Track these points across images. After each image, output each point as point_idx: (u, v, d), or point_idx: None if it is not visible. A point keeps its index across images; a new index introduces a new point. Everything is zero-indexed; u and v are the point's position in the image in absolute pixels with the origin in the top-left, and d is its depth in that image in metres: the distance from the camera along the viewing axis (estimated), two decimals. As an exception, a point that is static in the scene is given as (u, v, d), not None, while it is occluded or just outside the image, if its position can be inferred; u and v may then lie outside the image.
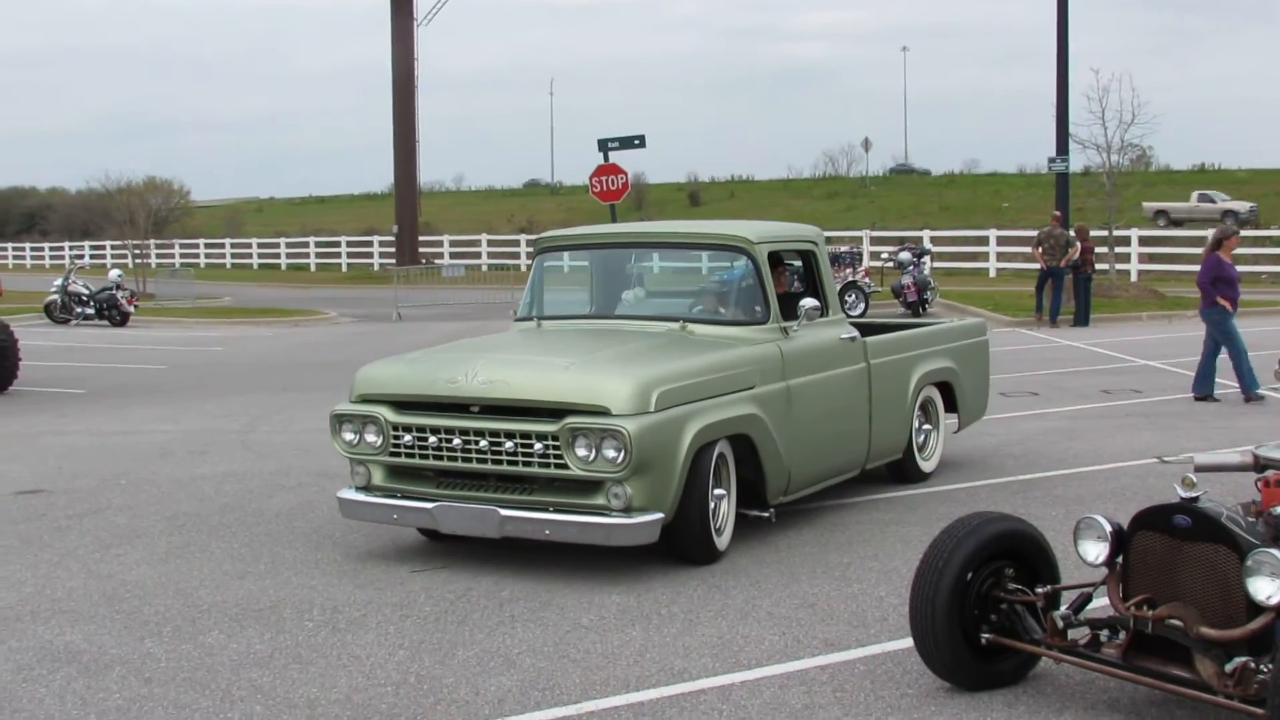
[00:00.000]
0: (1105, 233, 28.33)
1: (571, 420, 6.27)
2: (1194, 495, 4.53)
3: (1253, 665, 4.24)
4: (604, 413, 6.29)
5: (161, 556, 7.28)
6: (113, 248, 50.72)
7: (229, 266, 55.12)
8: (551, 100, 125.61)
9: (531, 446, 6.43)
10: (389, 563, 7.05)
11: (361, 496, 7.10)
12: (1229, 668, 4.31)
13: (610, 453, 6.20)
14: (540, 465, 6.46)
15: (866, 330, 9.08)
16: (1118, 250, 30.44)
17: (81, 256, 49.22)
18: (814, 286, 8.16)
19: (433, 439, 6.75)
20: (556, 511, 6.47)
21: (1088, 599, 5.06)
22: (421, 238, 46.92)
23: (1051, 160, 27.51)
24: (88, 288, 28.43)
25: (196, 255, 55.88)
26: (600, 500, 6.41)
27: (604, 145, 24.57)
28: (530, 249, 27.69)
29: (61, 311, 28.07)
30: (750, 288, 7.74)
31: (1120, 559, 4.80)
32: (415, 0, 42.50)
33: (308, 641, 5.72)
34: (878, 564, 6.95)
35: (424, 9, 43.62)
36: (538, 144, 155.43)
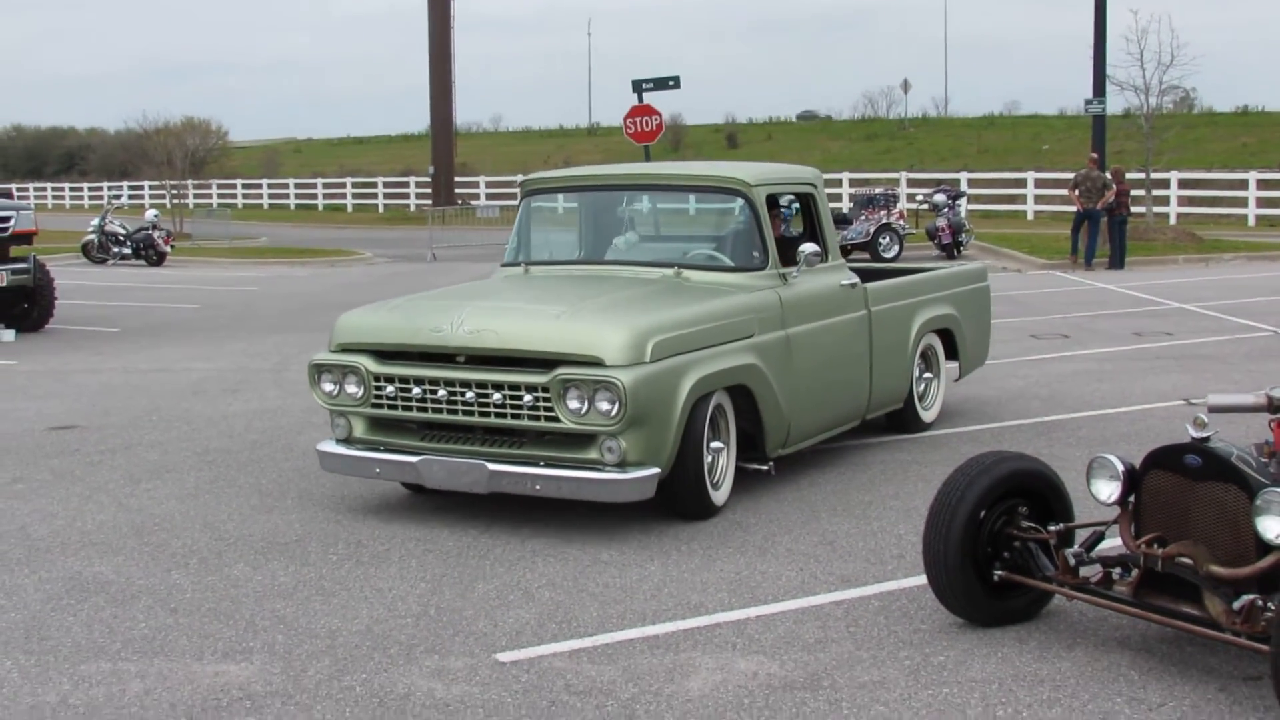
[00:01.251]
0: (1143, 175, 28.32)
1: (563, 371, 6.10)
2: (1205, 435, 4.60)
3: (1260, 603, 4.32)
4: (597, 363, 6.11)
5: (190, 491, 7.47)
6: (150, 188, 50.41)
7: (266, 207, 55.57)
8: (589, 41, 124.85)
9: (520, 398, 6.26)
10: (413, 499, 7.20)
11: (341, 449, 6.93)
12: (1237, 605, 4.40)
13: (604, 405, 6.03)
14: (530, 418, 6.27)
15: (864, 276, 8.84)
16: (1156, 193, 30.37)
17: (120, 196, 49.82)
18: (813, 230, 7.99)
19: (416, 390, 6.57)
20: (547, 466, 6.29)
21: (1100, 537, 5.14)
22: (458, 179, 47.27)
23: (1088, 102, 27.49)
24: (124, 228, 28.74)
25: (234, 196, 56.19)
26: (593, 454, 6.22)
27: (638, 86, 24.92)
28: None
29: (99, 251, 28.34)
30: (748, 232, 7.52)
31: (1132, 498, 4.89)
32: None
33: (331, 574, 5.89)
34: (898, 503, 7.05)
35: None
36: (575, 86, 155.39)
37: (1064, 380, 11.29)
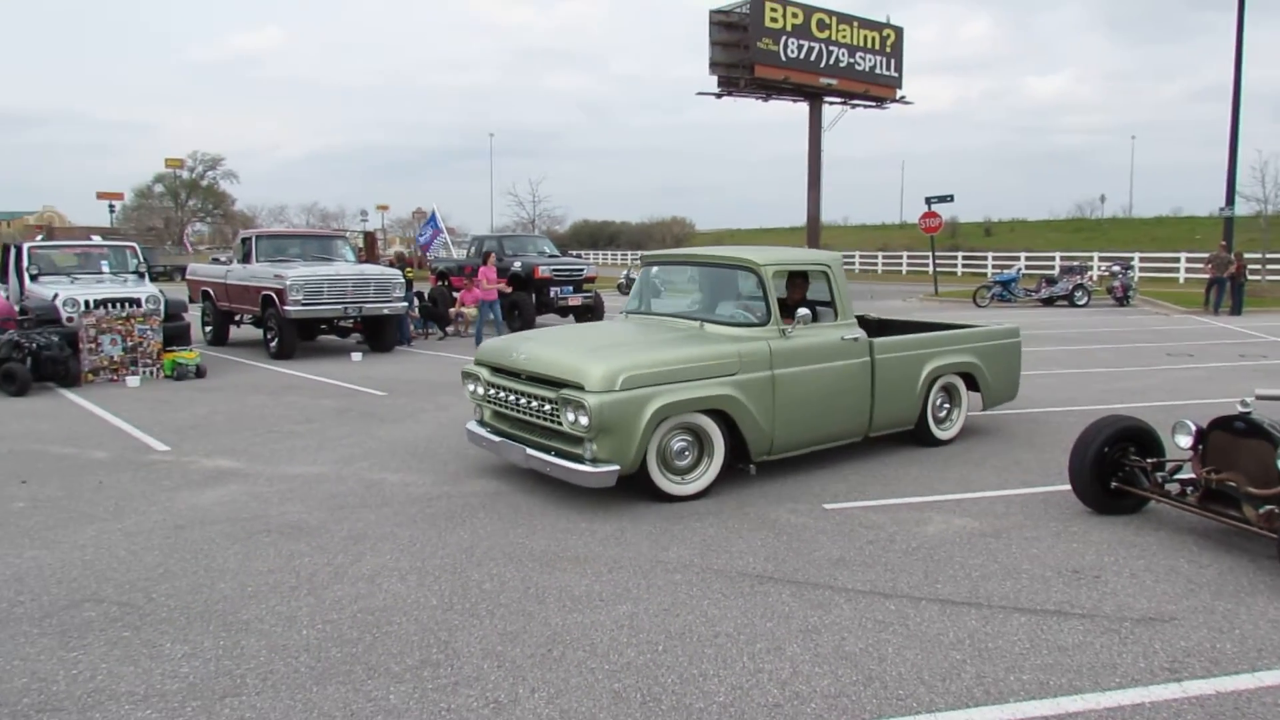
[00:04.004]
0: (1260, 255, 30.37)
1: (565, 391, 6.04)
2: (1248, 410, 5.36)
3: (1277, 510, 5.01)
4: (582, 388, 6.00)
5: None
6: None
7: None
8: (902, 173, 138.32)
9: (545, 406, 6.28)
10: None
11: (475, 428, 7.04)
12: (1262, 511, 5.08)
13: (583, 418, 5.91)
14: (550, 420, 6.26)
15: (903, 330, 8.56)
16: (1270, 267, 32.17)
17: (635, 260, 58.83)
18: (831, 298, 7.37)
19: (501, 394, 6.73)
20: (556, 455, 6.20)
21: (1179, 468, 5.82)
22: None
23: (1220, 209, 28.79)
24: (637, 275, 31.72)
25: None
26: (581, 450, 6.09)
27: (929, 200, 30.74)
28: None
29: (627, 289, 31.97)
30: (756, 299, 7.00)
31: (1200, 446, 5.56)
32: (824, 114, 46.30)
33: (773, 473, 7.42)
34: (1060, 446, 7.79)
35: (828, 119, 48.03)
36: (892, 198, 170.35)
37: (1180, 383, 11.55)
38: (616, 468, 6.01)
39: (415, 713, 3.53)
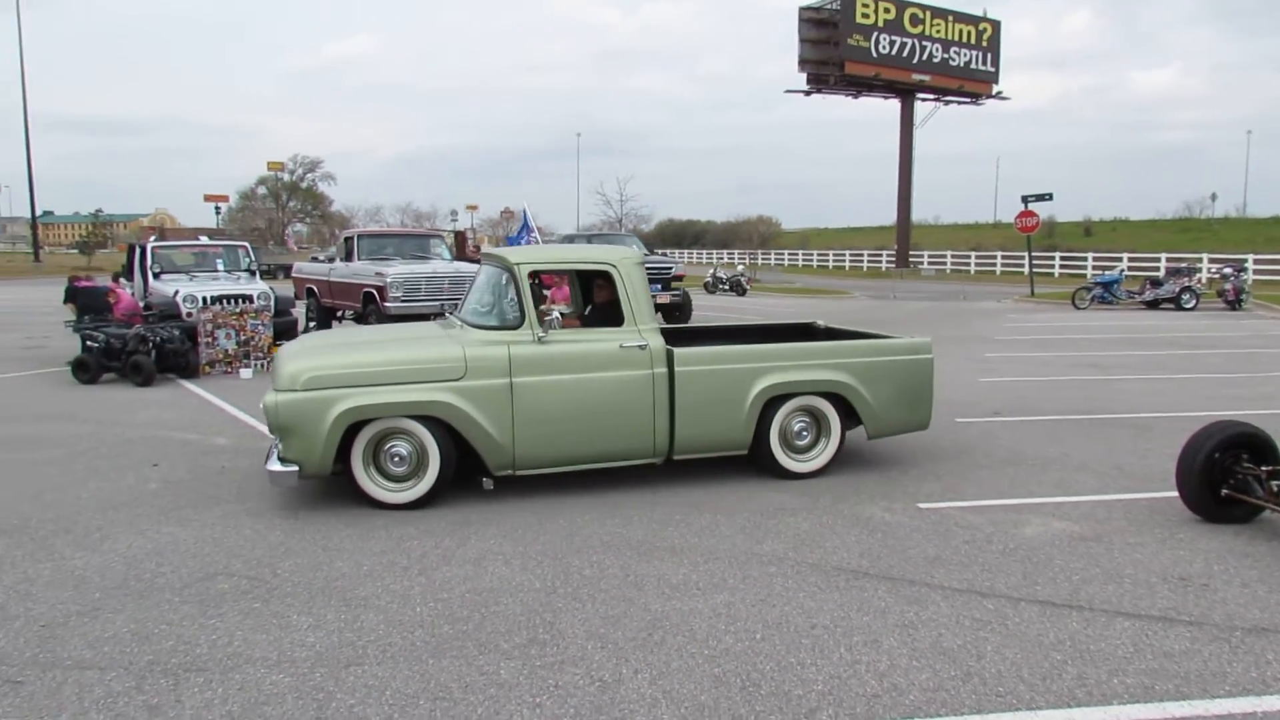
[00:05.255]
0: None
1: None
2: None
3: None
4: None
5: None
6: (740, 254, 64.09)
7: (800, 265, 63.03)
8: (997, 171, 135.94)
9: None
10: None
11: None
12: None
13: (271, 416, 5.82)
14: None
15: (827, 336, 7.83)
16: None
17: (721, 259, 63.68)
18: (617, 301, 6.57)
19: None
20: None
21: None
22: (910, 251, 50.30)
23: None
24: (724, 274, 34.37)
25: (782, 258, 65.68)
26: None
27: (1025, 199, 29.59)
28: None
29: (713, 288, 33.55)
30: (511, 300, 6.36)
31: None
32: (916, 111, 46.38)
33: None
34: (1163, 452, 7.65)
35: (920, 116, 47.63)
36: (984, 197, 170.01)
37: (1297, 389, 11.18)
38: (295, 469, 5.79)
39: (525, 687, 3.71)
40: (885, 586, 4.79)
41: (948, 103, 47.81)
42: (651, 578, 4.88)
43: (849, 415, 6.95)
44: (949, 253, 54.11)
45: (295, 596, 4.61)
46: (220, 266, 15.31)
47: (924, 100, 47.66)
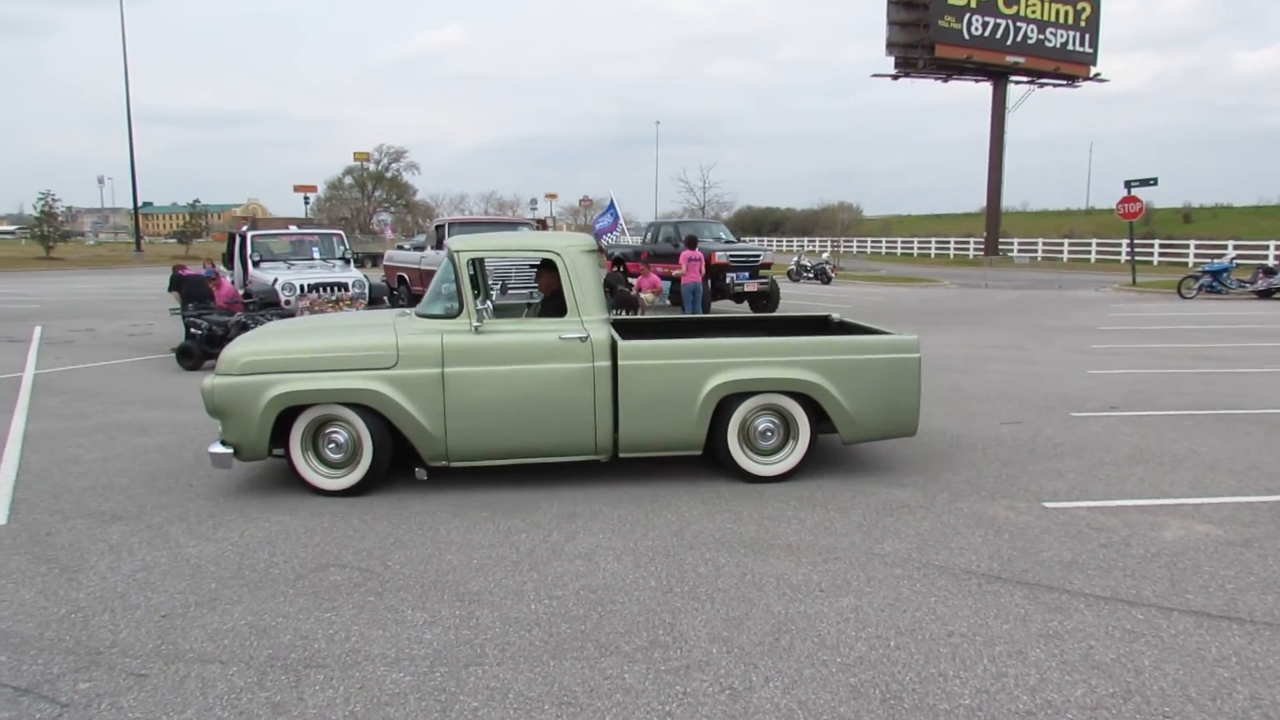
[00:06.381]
0: None
1: None
2: None
3: None
4: None
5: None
6: (821, 241, 63.16)
7: (883, 253, 61.23)
8: (1090, 155, 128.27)
9: None
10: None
11: None
12: None
13: (207, 398, 5.90)
14: None
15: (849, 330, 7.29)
16: None
17: (804, 246, 61.64)
18: (560, 290, 6.32)
19: None
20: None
21: None
22: (1000, 239, 49.26)
23: None
24: (808, 262, 33.89)
25: (866, 246, 63.55)
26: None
27: (1128, 184, 27.77)
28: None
29: (796, 275, 33.35)
30: (450, 288, 6.23)
31: None
32: (1009, 94, 45.18)
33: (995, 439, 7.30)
34: None
35: (1013, 99, 46.19)
36: (1076, 182, 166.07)
37: None
38: (230, 451, 5.88)
39: (652, 693, 3.55)
40: (1021, 592, 4.51)
41: (1042, 85, 46.23)
42: (770, 578, 4.69)
43: (824, 418, 6.41)
44: (1040, 240, 52.39)
45: (408, 590, 4.53)
46: (316, 255, 15.57)
47: (1018, 83, 46.16)
